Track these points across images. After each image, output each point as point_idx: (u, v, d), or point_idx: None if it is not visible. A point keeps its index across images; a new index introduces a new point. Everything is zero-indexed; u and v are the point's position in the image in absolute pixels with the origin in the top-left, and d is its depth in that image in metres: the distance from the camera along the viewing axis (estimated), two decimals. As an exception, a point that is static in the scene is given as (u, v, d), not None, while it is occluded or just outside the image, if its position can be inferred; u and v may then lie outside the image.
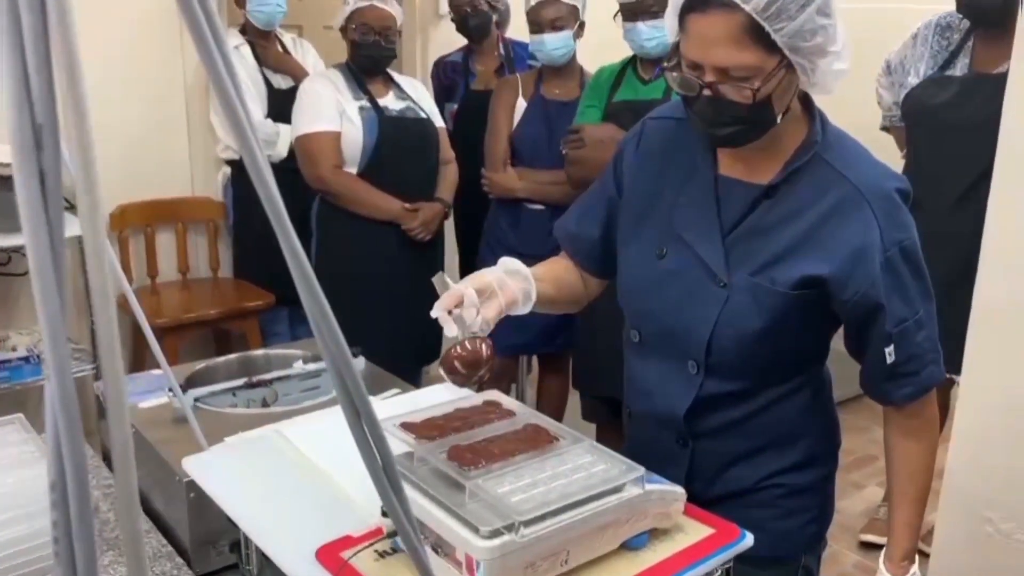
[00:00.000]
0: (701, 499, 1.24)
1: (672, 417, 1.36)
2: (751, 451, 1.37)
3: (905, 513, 1.36)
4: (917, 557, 1.39)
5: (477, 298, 1.25)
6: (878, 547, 2.89)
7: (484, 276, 1.30)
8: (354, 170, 2.78)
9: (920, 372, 1.29)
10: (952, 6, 2.57)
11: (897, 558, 1.36)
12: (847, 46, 1.22)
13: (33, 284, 0.42)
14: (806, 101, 1.31)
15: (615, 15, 2.51)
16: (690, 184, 1.33)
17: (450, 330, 1.23)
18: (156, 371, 1.73)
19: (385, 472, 0.64)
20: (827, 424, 1.45)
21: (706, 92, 1.18)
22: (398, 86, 2.93)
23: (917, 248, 1.26)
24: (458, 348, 1.23)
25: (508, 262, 1.36)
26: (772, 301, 1.25)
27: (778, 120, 1.22)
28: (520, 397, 3.49)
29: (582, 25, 2.80)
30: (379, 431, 0.61)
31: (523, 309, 1.33)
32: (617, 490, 1.03)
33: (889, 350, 1.26)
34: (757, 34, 1.14)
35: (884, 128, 2.93)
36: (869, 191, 1.23)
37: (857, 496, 3.27)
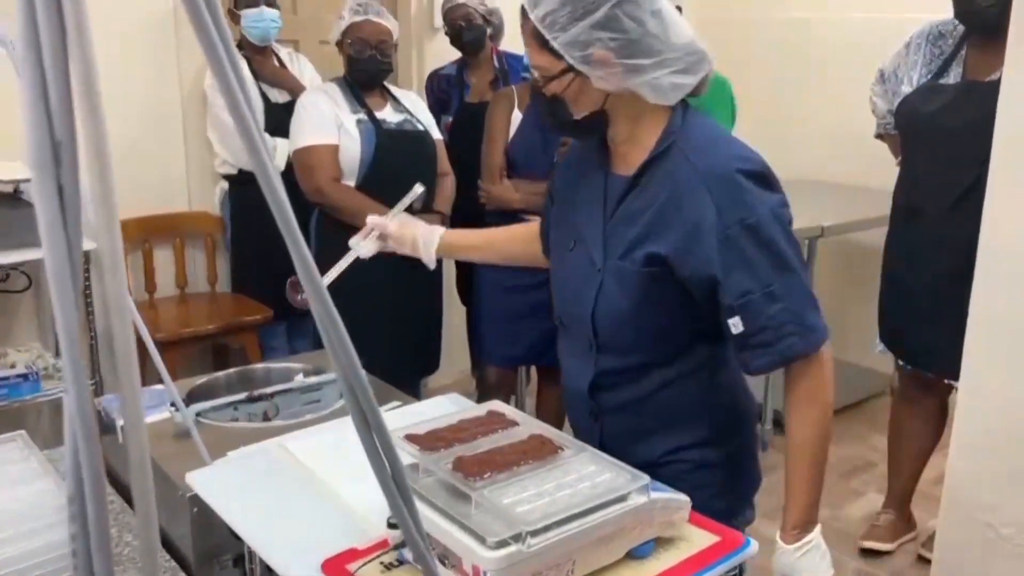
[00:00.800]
0: None
1: (581, 392, 1.51)
2: (653, 428, 1.48)
3: (794, 481, 1.43)
4: (819, 527, 1.45)
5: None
6: (879, 554, 2.92)
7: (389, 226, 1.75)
8: (352, 183, 2.79)
9: (775, 343, 1.34)
10: (944, 15, 2.59)
11: (788, 527, 1.44)
12: (688, 64, 1.35)
13: (53, 298, 0.42)
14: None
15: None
16: (587, 182, 1.51)
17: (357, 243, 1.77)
18: (157, 386, 1.72)
19: (395, 481, 0.65)
20: (729, 403, 1.53)
21: (532, 85, 1.48)
22: (395, 99, 2.94)
23: (765, 224, 1.33)
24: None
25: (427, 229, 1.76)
26: (631, 280, 1.39)
27: (576, 116, 1.39)
28: (519, 408, 3.49)
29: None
30: (388, 440, 0.61)
31: (423, 255, 1.75)
32: (622, 499, 1.03)
33: (733, 322, 1.34)
34: (542, 40, 1.33)
35: (878, 136, 2.94)
36: (708, 174, 1.34)
37: (856, 503, 3.27)
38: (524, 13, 1.35)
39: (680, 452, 1.47)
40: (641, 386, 1.46)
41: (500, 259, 1.90)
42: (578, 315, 1.48)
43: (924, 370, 2.73)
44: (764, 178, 1.37)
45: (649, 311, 1.41)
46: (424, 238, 1.74)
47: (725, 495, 1.50)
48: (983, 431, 1.92)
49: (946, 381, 2.66)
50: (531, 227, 1.77)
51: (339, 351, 0.56)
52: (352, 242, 1.77)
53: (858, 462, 3.58)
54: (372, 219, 1.76)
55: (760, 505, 3.34)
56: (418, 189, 1.84)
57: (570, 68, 1.33)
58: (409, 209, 2.91)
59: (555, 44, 1.31)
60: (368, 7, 2.82)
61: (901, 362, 2.82)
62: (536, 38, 1.34)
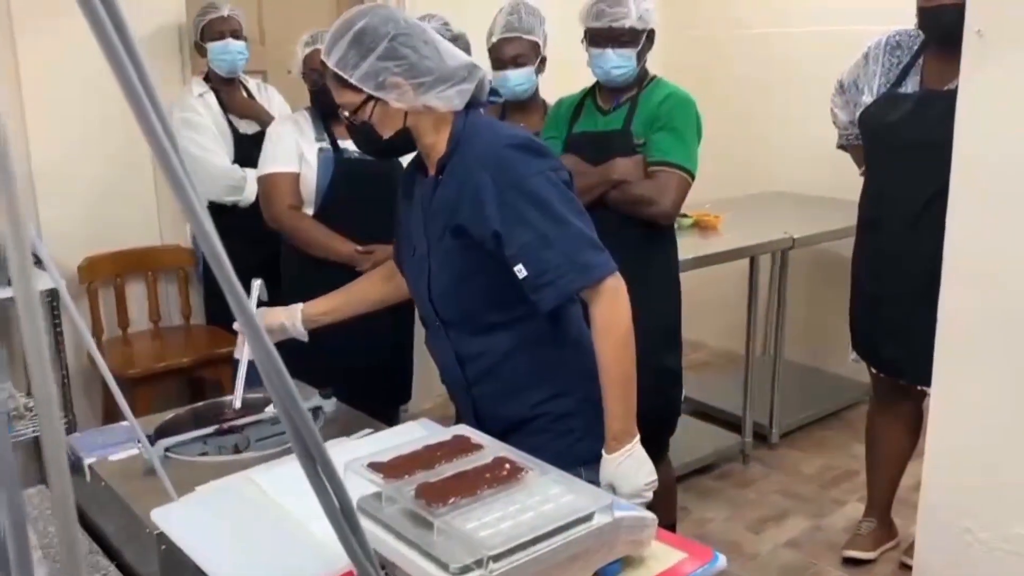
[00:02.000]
0: (494, 434, 1.46)
1: (452, 371, 1.77)
2: (513, 390, 1.72)
3: (607, 400, 1.61)
4: (636, 438, 1.60)
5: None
6: (862, 563, 2.92)
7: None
8: (311, 211, 2.79)
9: (556, 282, 1.56)
10: (901, 26, 2.63)
11: (608, 439, 1.61)
12: (464, 76, 1.62)
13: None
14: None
15: (582, 40, 2.52)
16: (412, 193, 1.77)
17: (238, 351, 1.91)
18: (126, 423, 1.71)
19: (345, 517, 0.64)
20: (571, 358, 1.73)
21: (346, 123, 1.69)
22: None
23: (535, 184, 1.58)
24: None
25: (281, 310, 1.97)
26: (449, 256, 1.66)
27: (384, 136, 1.64)
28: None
29: (544, 60, 2.83)
30: (336, 477, 0.61)
31: (294, 334, 1.97)
32: (586, 520, 1.03)
33: (518, 268, 1.57)
34: (341, 80, 1.59)
35: (841, 147, 2.97)
36: (481, 152, 1.61)
37: (838, 512, 3.28)
38: (324, 65, 1.61)
39: (543, 404, 1.72)
40: (494, 353, 1.71)
41: (368, 307, 2.04)
42: (423, 303, 1.75)
43: (897, 378, 2.74)
44: (530, 148, 1.63)
45: (466, 280, 1.67)
46: (288, 320, 1.95)
47: (586, 438, 1.70)
48: (957, 437, 1.93)
49: (919, 388, 2.67)
50: (381, 270, 2.04)
51: (279, 388, 0.56)
52: (236, 354, 1.93)
53: (839, 471, 3.59)
54: (237, 327, 1.83)
55: (741, 518, 3.36)
56: (256, 283, 1.94)
57: (370, 97, 1.59)
58: (376, 239, 2.92)
59: (352, 80, 1.58)
60: (319, 36, 2.83)
61: (875, 370, 2.84)
62: (337, 80, 1.60)
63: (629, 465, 1.59)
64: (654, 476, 1.60)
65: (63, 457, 0.45)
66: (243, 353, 1.88)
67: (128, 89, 0.46)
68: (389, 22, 1.58)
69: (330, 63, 1.59)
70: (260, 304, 1.96)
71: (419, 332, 3.47)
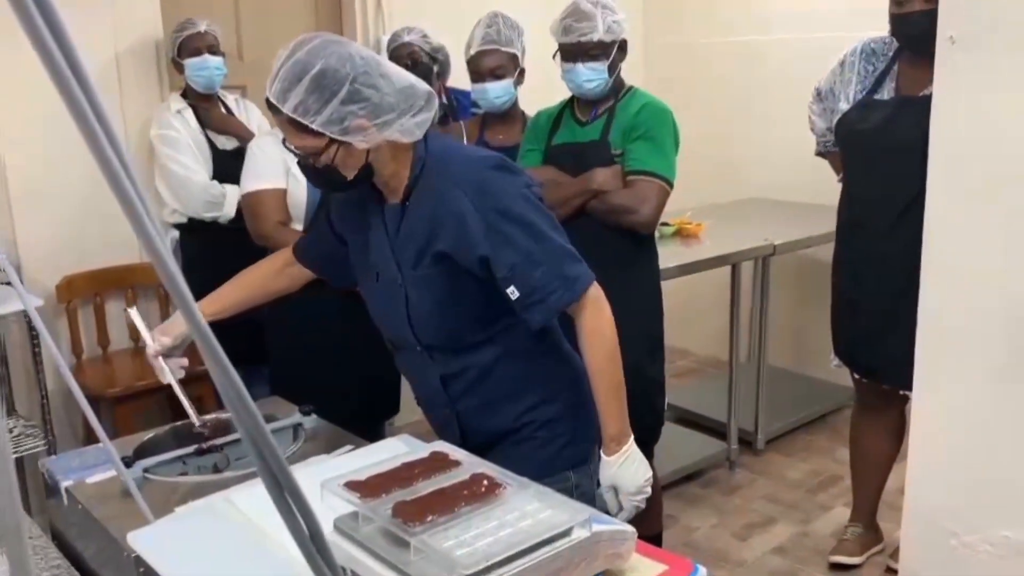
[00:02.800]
0: (478, 447, 1.56)
1: (433, 391, 1.77)
2: (498, 400, 1.72)
3: (601, 404, 1.64)
4: (632, 439, 1.66)
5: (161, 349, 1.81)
6: (848, 568, 2.92)
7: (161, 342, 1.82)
8: (300, 227, 2.78)
9: (546, 299, 1.58)
10: (876, 33, 2.65)
11: (607, 441, 1.66)
12: (422, 105, 1.58)
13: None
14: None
15: (554, 55, 2.54)
16: (370, 220, 1.74)
17: (163, 377, 1.82)
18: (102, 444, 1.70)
19: (313, 541, 0.64)
20: (554, 364, 1.76)
21: (299, 162, 1.64)
22: None
23: (515, 205, 1.58)
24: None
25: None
26: (428, 282, 1.64)
27: (349, 177, 1.59)
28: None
29: (522, 72, 2.83)
30: (304, 501, 0.60)
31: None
32: (564, 535, 1.03)
33: (511, 290, 1.58)
34: (300, 126, 1.52)
35: (819, 154, 2.98)
36: (458, 178, 1.60)
37: (825, 518, 3.28)
38: (272, 107, 1.53)
39: (528, 413, 1.72)
40: (478, 368, 1.71)
41: (267, 296, 2.01)
42: (398, 330, 1.73)
43: (879, 382, 2.75)
44: (505, 167, 1.64)
45: (451, 304, 1.66)
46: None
47: (573, 443, 1.74)
48: (939, 440, 1.93)
49: (901, 392, 2.68)
50: (276, 260, 1.99)
51: (242, 413, 0.55)
52: (162, 379, 1.83)
53: (824, 476, 3.59)
54: (148, 353, 1.83)
55: (728, 525, 3.35)
56: (131, 311, 1.92)
57: (332, 141, 1.54)
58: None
59: (314, 126, 1.51)
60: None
61: (857, 375, 2.85)
62: (293, 125, 1.53)
63: (628, 465, 1.64)
64: (651, 472, 1.67)
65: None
66: (166, 375, 1.81)
67: (73, 107, 0.46)
68: (346, 62, 1.51)
69: (286, 109, 1.51)
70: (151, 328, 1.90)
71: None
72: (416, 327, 1.70)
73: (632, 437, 1.67)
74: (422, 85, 1.61)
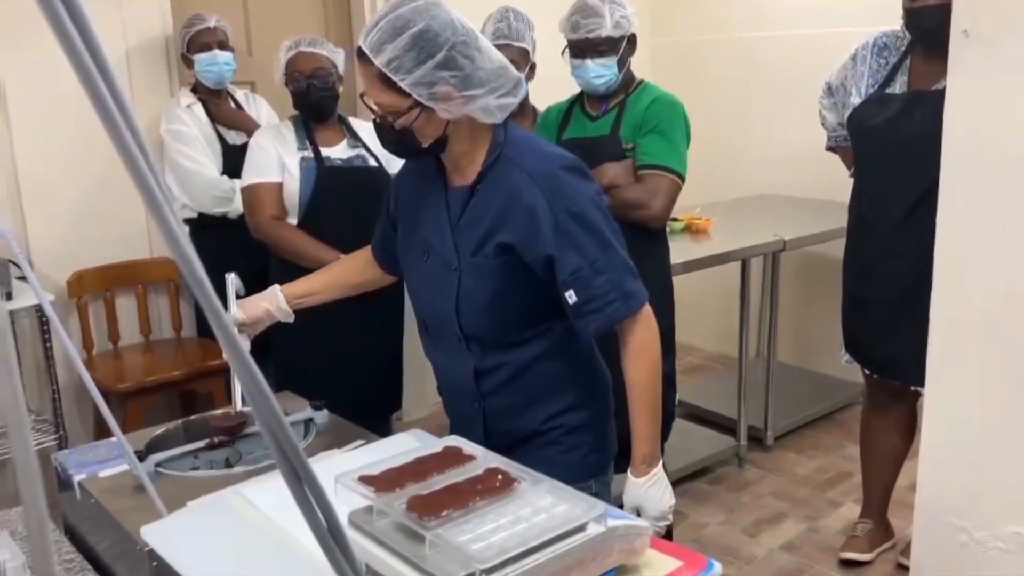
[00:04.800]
0: (501, 448, 1.47)
1: (462, 384, 1.72)
2: (529, 402, 1.69)
3: (637, 422, 1.62)
4: (661, 462, 1.65)
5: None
6: (858, 564, 2.91)
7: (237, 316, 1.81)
8: (295, 220, 2.79)
9: (604, 309, 1.56)
10: (883, 27, 2.64)
11: (637, 462, 1.63)
12: (509, 88, 1.56)
13: None
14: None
15: (563, 51, 2.54)
16: (429, 199, 1.69)
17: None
18: (115, 439, 1.70)
19: (332, 534, 0.63)
20: (587, 372, 1.74)
21: (376, 120, 1.58)
22: (354, 134, 2.93)
23: (587, 210, 1.56)
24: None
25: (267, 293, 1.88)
26: (487, 272, 1.60)
27: (424, 144, 1.56)
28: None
29: (533, 67, 2.83)
30: (323, 494, 0.60)
31: (280, 317, 1.88)
32: (579, 529, 1.02)
33: (569, 294, 1.56)
34: (388, 82, 1.49)
35: (830, 148, 2.97)
36: (535, 173, 1.56)
37: (834, 514, 3.27)
38: (363, 58, 1.50)
39: (556, 418, 1.69)
40: (514, 365, 1.67)
41: (348, 291, 1.99)
42: (442, 315, 1.68)
43: (889, 378, 2.74)
44: (580, 171, 1.61)
45: (505, 297, 1.62)
46: (272, 304, 1.87)
47: (596, 451, 1.73)
48: (951, 437, 1.92)
49: (912, 388, 2.67)
50: (362, 254, 1.98)
51: (262, 406, 0.55)
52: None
53: (833, 473, 3.58)
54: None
55: (737, 522, 3.34)
56: (230, 277, 1.88)
57: (417, 104, 1.51)
58: (360, 247, 2.91)
59: (403, 85, 1.48)
60: (300, 41, 2.83)
61: (867, 371, 2.84)
62: (381, 80, 1.50)
63: (655, 489, 1.62)
64: (674, 499, 1.66)
65: (37, 475, 0.44)
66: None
67: (97, 102, 0.46)
68: (448, 27, 1.49)
69: (378, 61, 1.48)
70: (237, 297, 1.91)
71: (409, 341, 3.49)
72: (463, 315, 1.65)
73: (662, 461, 1.65)
74: (513, 70, 1.59)
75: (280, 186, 2.76)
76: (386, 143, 1.62)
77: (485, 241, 1.60)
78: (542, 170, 1.57)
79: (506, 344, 1.67)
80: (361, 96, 1.60)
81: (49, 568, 0.42)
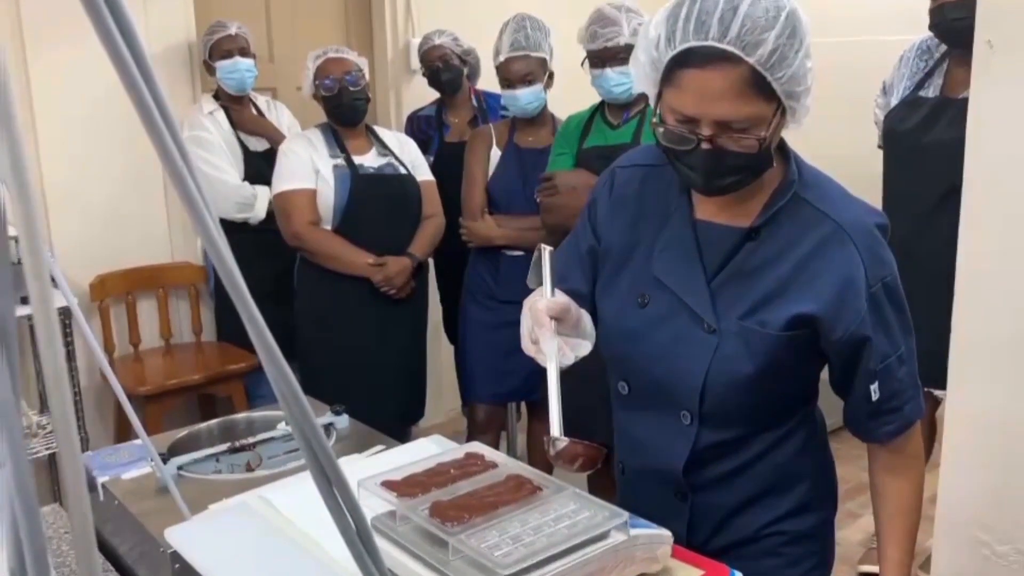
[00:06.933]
0: (704, 552, 1.22)
1: (669, 471, 1.34)
2: (750, 499, 1.35)
3: (894, 551, 1.36)
4: None
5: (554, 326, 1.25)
6: (877, 577, 2.89)
7: (559, 300, 1.28)
8: (329, 227, 2.81)
9: (903, 408, 1.29)
10: (909, 35, 2.64)
11: None
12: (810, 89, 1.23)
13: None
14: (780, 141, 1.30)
15: (583, 62, 2.55)
16: (667, 230, 1.32)
17: (544, 361, 1.25)
18: (139, 441, 1.71)
19: (360, 539, 0.64)
20: (823, 465, 1.43)
21: (705, 145, 1.17)
22: (381, 142, 2.95)
23: (898, 284, 1.27)
24: (579, 447, 1.23)
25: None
26: (764, 344, 1.24)
27: (763, 169, 1.23)
28: (511, 445, 3.47)
29: (551, 76, 2.84)
30: (352, 498, 0.60)
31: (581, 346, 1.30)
32: (602, 537, 1.02)
33: (874, 387, 1.26)
34: (759, 85, 1.14)
35: (881, 147, 2.98)
36: (852, 228, 1.23)
37: (854, 526, 3.25)
38: (720, 60, 1.13)
39: (779, 523, 1.36)
40: (741, 456, 1.32)
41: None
42: (672, 383, 1.30)
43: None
44: (886, 228, 1.29)
45: (780, 377, 1.28)
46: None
47: (820, 567, 1.41)
48: (973, 449, 1.91)
49: (927, 390, 2.65)
50: None
51: (293, 407, 0.56)
52: (547, 351, 1.26)
53: (853, 484, 3.55)
54: (538, 308, 1.27)
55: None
56: (548, 250, 1.32)
57: (779, 108, 1.17)
58: (392, 253, 2.89)
59: (776, 85, 1.14)
60: (328, 48, 2.86)
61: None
62: (750, 85, 1.14)
63: None
64: None
65: (82, 480, 0.45)
66: (550, 358, 1.25)
67: (142, 109, 0.46)
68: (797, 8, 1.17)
69: (756, 57, 1.12)
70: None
71: (439, 341, 3.49)
72: (711, 386, 1.27)
73: None
74: None
75: (314, 192, 2.78)
76: (710, 174, 1.20)
77: (766, 304, 1.24)
78: (860, 226, 1.24)
79: (745, 432, 1.32)
80: (655, 126, 1.22)
81: (93, 570, 0.42)
